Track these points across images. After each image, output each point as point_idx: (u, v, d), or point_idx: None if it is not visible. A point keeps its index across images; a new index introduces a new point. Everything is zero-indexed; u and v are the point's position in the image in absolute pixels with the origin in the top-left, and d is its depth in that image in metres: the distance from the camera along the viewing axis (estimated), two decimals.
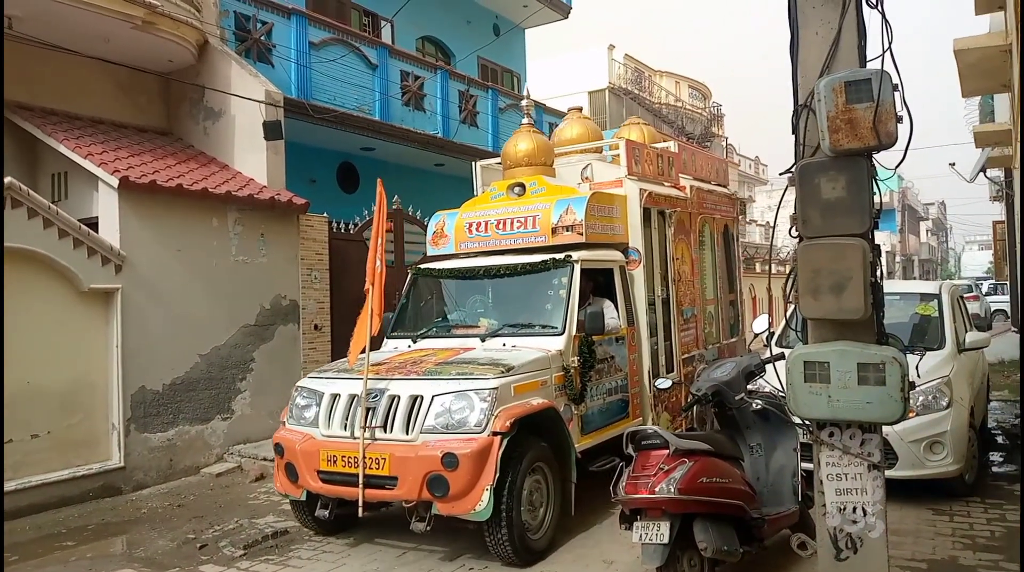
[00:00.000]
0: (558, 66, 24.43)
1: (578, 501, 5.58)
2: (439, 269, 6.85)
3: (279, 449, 5.57)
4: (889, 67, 3.28)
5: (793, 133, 3.63)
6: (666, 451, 4.12)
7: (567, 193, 6.80)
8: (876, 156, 3.41)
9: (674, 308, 7.52)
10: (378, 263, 5.80)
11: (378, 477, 5.03)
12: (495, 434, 4.86)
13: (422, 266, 7.03)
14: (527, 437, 5.18)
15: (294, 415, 5.65)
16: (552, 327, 5.95)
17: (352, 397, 5.33)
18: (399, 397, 5.19)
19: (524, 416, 5.06)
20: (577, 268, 6.12)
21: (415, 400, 5.12)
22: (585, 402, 5.91)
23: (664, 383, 5.58)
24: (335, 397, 5.46)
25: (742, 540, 4.22)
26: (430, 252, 7.24)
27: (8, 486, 6.47)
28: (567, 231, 6.44)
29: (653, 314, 7.20)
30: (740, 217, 9.80)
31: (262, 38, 10.51)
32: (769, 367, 4.70)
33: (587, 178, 7.39)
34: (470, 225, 6.97)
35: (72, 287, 7.14)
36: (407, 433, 5.05)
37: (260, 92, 9.28)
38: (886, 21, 3.36)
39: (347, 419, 5.30)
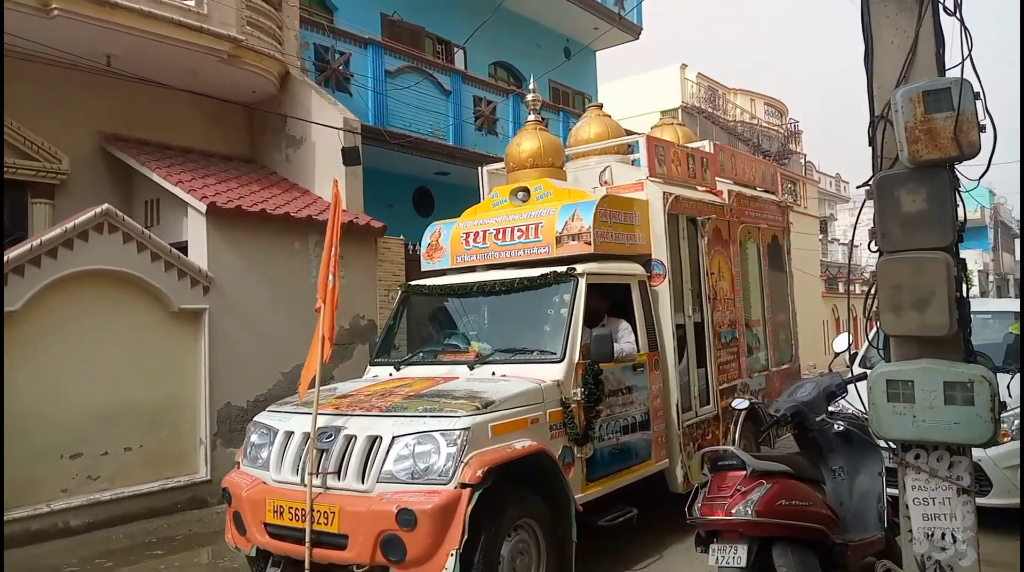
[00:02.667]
0: (630, 87, 24.41)
1: (584, 564, 4.79)
2: (429, 286, 5.98)
3: (226, 495, 4.73)
4: (970, 75, 3.18)
5: (870, 145, 3.54)
6: (743, 472, 4.03)
7: (576, 198, 5.94)
8: (959, 167, 3.30)
9: (709, 331, 6.57)
10: (331, 278, 4.85)
11: (327, 535, 4.14)
12: (463, 486, 3.94)
13: (412, 283, 6.18)
14: (511, 487, 4.28)
15: (248, 455, 4.79)
16: (550, 353, 5.06)
17: (306, 436, 4.45)
18: (355, 437, 4.29)
19: (503, 463, 4.15)
20: (582, 283, 5.26)
21: (373, 441, 4.23)
22: (591, 443, 5.00)
23: (741, 403, 5.34)
24: (288, 436, 4.57)
25: (823, 566, 4.09)
26: (424, 267, 6.45)
27: (103, 496, 6.81)
28: (573, 240, 5.60)
29: (683, 337, 6.30)
30: (791, 225, 8.81)
31: (340, 68, 10.87)
32: (851, 388, 4.56)
33: (605, 182, 6.53)
34: (467, 235, 6.13)
35: (163, 308, 7.48)
36: (362, 482, 4.15)
37: (339, 120, 9.59)
38: (965, 28, 3.27)
39: (299, 462, 4.41)
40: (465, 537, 3.88)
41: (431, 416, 4.24)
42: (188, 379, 7.65)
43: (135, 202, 8.97)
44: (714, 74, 28.70)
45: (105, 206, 7.04)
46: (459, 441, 4.07)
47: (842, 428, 4.60)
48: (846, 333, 5.23)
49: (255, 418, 5.01)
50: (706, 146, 7.49)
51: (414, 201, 13.36)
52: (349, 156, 9.47)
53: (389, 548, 3.95)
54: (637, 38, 18.51)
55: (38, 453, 6.47)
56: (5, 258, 6.39)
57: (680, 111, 25.12)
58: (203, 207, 7.87)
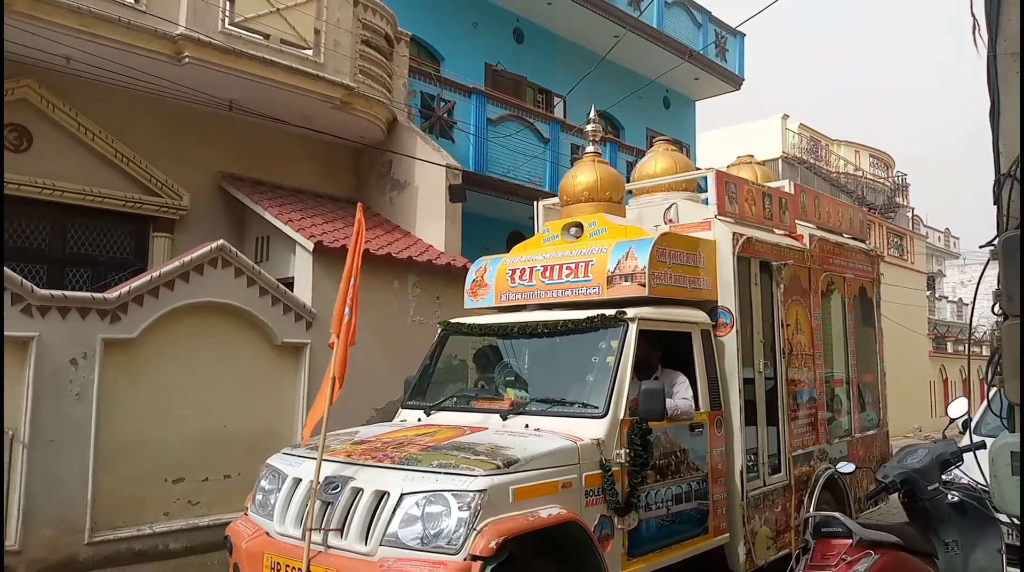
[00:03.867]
0: (730, 137, 24.18)
1: None
2: (467, 325, 5.55)
3: (228, 544, 4.40)
4: None
5: (995, 203, 3.39)
6: (849, 541, 3.85)
7: (633, 235, 5.44)
8: None
9: (783, 389, 5.95)
10: (347, 311, 4.40)
11: None
12: (474, 558, 3.47)
13: (451, 322, 5.73)
14: (535, 562, 3.79)
15: (257, 501, 4.44)
16: (592, 406, 4.52)
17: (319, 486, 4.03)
18: (362, 491, 3.86)
19: (523, 533, 3.63)
20: (633, 328, 4.70)
21: (381, 497, 3.79)
22: (635, 512, 4.41)
23: (847, 467, 4.99)
24: (296, 483, 4.20)
25: None
26: (467, 305, 6.03)
27: (202, 521, 7.04)
28: (626, 281, 5.05)
29: (752, 396, 5.67)
30: (881, 276, 8.02)
31: (444, 115, 11.22)
32: (967, 457, 4.30)
33: (670, 221, 6.03)
34: (513, 272, 5.67)
35: (268, 341, 7.77)
36: (364, 543, 3.71)
37: (441, 165, 9.86)
38: None
39: (304, 514, 4.01)
40: None
41: (444, 473, 3.75)
42: (287, 411, 7.88)
43: (247, 238, 9.42)
44: (818, 126, 28.15)
45: (220, 242, 7.42)
46: (472, 504, 3.57)
47: (957, 499, 4.32)
48: (963, 398, 4.94)
49: (267, 460, 4.60)
50: (786, 186, 6.93)
51: (508, 244, 13.51)
52: (456, 193, 9.73)
53: None
54: (738, 88, 18.39)
55: (144, 475, 6.76)
56: (128, 288, 6.79)
57: (780, 161, 24.72)
58: (311, 245, 8.19)
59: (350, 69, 9.07)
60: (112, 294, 6.70)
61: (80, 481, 6.35)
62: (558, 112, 14.32)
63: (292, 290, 8.17)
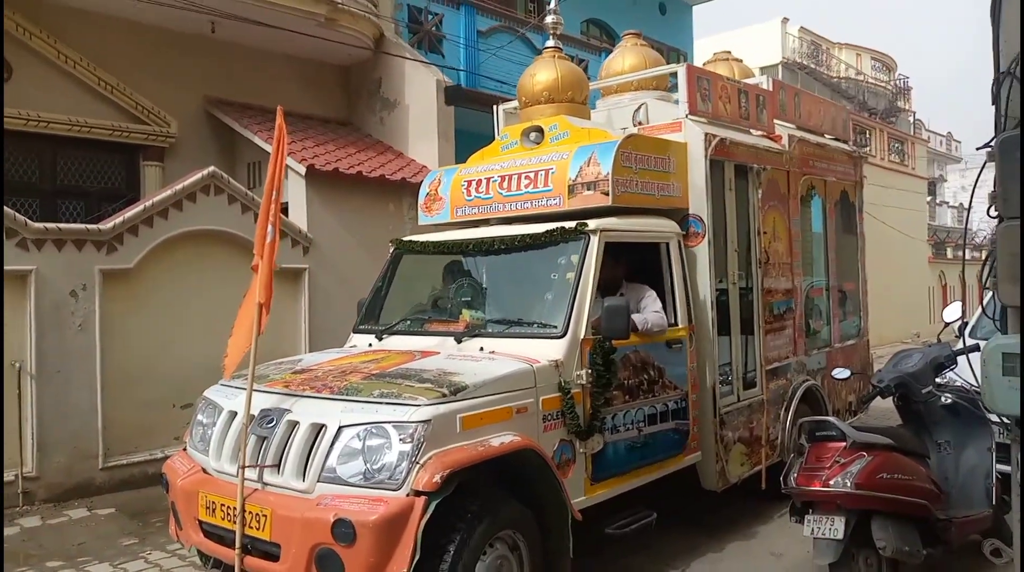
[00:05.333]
0: (727, 43, 23.47)
1: None
2: (420, 242, 5.21)
3: (163, 482, 4.15)
4: None
5: (993, 103, 3.32)
6: (843, 444, 3.94)
7: (597, 139, 4.96)
8: None
9: (758, 300, 5.67)
10: (269, 229, 3.94)
11: (260, 541, 3.49)
12: (417, 493, 3.22)
13: (403, 239, 5.41)
14: (488, 492, 3.59)
15: (194, 436, 4.17)
16: (551, 326, 4.21)
17: (250, 419, 3.73)
18: (299, 425, 3.58)
19: (472, 464, 3.40)
20: (595, 241, 4.37)
21: (319, 430, 3.52)
22: (598, 436, 4.19)
23: (842, 373, 5.02)
24: (232, 416, 3.91)
25: (925, 542, 3.96)
26: (421, 221, 5.64)
27: None
28: (588, 190, 4.64)
29: (726, 308, 5.36)
30: (864, 179, 7.64)
31: (433, 29, 10.90)
32: (962, 359, 4.36)
33: (640, 123, 5.58)
34: (468, 184, 5.22)
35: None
36: (302, 479, 3.45)
37: (431, 81, 9.65)
38: None
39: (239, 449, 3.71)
40: (417, 557, 3.15)
41: (386, 403, 3.48)
42: (289, 334, 7.95)
43: (238, 164, 9.30)
44: (818, 28, 27.42)
45: (211, 169, 7.34)
46: (415, 436, 3.31)
47: (950, 401, 4.41)
48: (958, 302, 4.96)
49: (204, 393, 4.31)
50: (764, 82, 6.46)
51: None
52: (452, 95, 9.50)
53: (325, 565, 3.24)
54: None
55: (151, 402, 6.87)
56: (122, 218, 6.76)
57: (780, 67, 24.19)
58: (303, 169, 8.09)
59: None
60: (107, 225, 6.67)
61: (90, 409, 6.47)
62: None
63: (287, 215, 8.11)
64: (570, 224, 4.46)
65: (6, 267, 5.96)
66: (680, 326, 4.88)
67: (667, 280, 4.97)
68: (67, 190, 8.34)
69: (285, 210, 8.22)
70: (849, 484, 3.76)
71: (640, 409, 4.53)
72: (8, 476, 6.00)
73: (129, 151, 8.64)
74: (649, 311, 4.74)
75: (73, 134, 8.08)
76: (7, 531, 5.52)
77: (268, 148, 8.44)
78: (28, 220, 6.26)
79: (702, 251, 5.16)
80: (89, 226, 6.64)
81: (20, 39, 7.64)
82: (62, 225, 6.57)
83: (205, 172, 7.28)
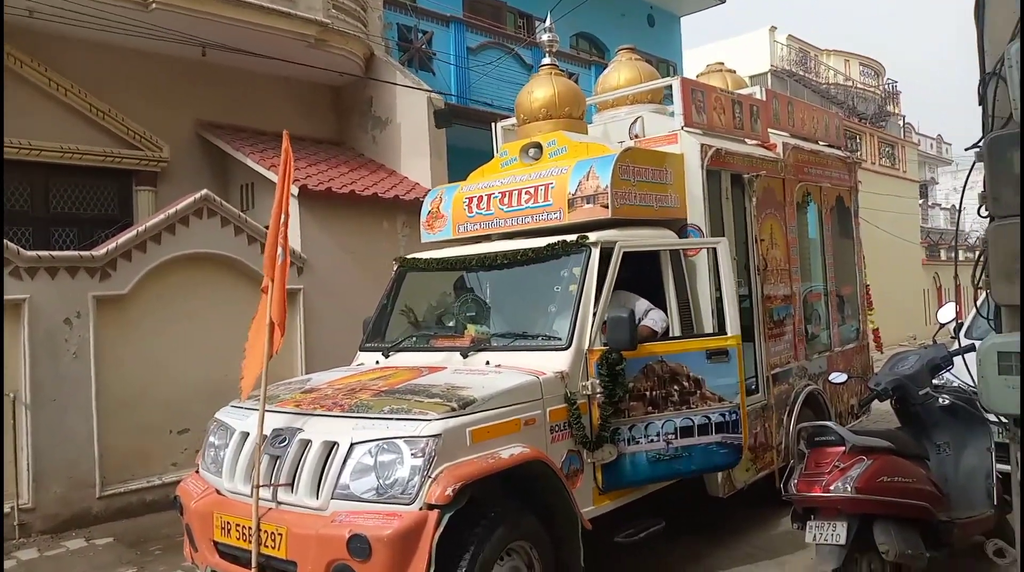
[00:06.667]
0: (716, 53, 23.61)
1: None
2: (425, 259, 5.27)
3: (177, 504, 4.19)
4: None
5: (980, 104, 3.34)
6: (842, 448, 3.92)
7: (595, 152, 5.05)
8: None
9: (758, 307, 5.69)
10: (280, 251, 4.02)
11: (276, 560, 3.54)
12: (430, 507, 3.28)
13: (407, 257, 5.45)
14: (500, 504, 3.63)
15: (207, 458, 4.21)
16: (555, 338, 4.30)
17: (263, 439, 3.80)
18: (311, 443, 3.64)
19: (483, 476, 3.46)
20: (595, 254, 4.44)
21: (331, 448, 3.58)
22: (610, 446, 4.22)
23: (839, 377, 5.04)
24: (244, 437, 3.96)
25: (928, 544, 3.94)
26: (424, 238, 5.71)
27: None
28: (588, 203, 4.73)
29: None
30: (859, 184, 7.65)
31: (423, 47, 10.96)
32: (958, 360, 4.36)
33: (636, 136, 5.69)
34: (470, 201, 5.32)
35: (259, 287, 7.74)
36: (315, 497, 3.51)
37: (423, 99, 9.68)
38: None
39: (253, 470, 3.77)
40: (432, 569, 3.20)
41: (396, 418, 3.55)
42: (285, 356, 7.92)
43: (231, 187, 9.31)
44: (807, 36, 27.60)
45: (204, 192, 7.34)
46: (427, 451, 3.37)
47: (948, 402, 4.40)
48: (952, 303, 4.97)
49: (216, 414, 4.37)
50: (757, 92, 6.56)
51: None
52: (441, 118, 9.55)
53: None
54: (723, 1, 17.94)
55: (148, 428, 6.84)
56: (115, 244, 6.75)
57: (769, 75, 24.31)
58: (296, 190, 8.09)
59: (322, 4, 8.82)
60: (100, 251, 6.66)
61: (86, 437, 6.43)
62: (540, 35, 14.01)
63: None
64: (571, 237, 4.54)
65: None
66: (730, 335, 4.67)
67: (695, 287, 5.05)
68: (60, 217, 8.34)
69: None
70: (849, 489, 3.75)
71: (669, 421, 4.42)
72: (4, 508, 5.96)
73: (122, 176, 8.65)
74: (654, 321, 4.73)
75: (65, 161, 8.09)
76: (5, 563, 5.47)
77: (260, 169, 8.47)
78: (21, 248, 6.25)
79: (701, 261, 5.19)
80: (82, 253, 6.62)
81: (12, 68, 7.66)
82: (55, 253, 6.56)
83: (198, 195, 7.28)
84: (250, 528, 3.59)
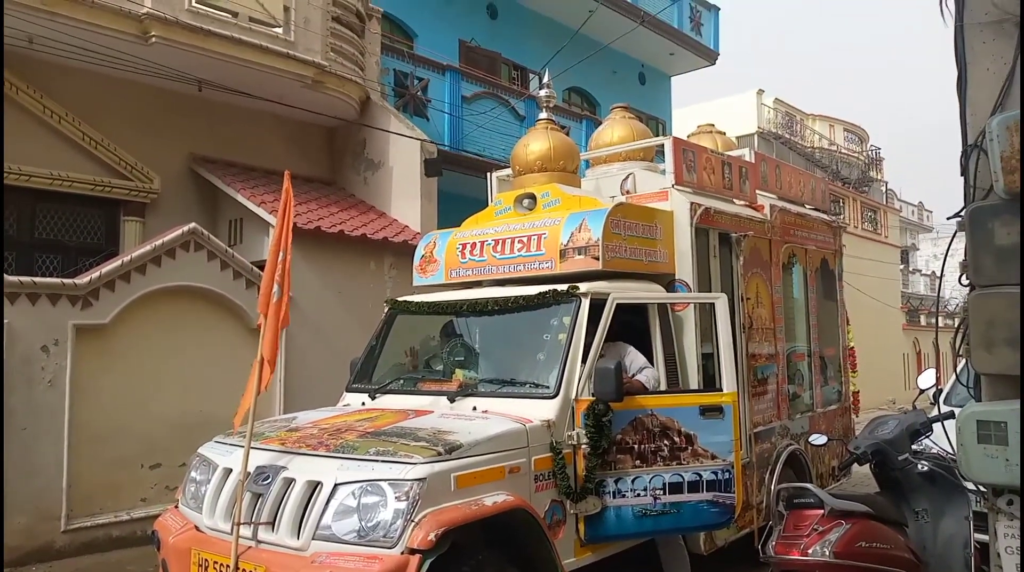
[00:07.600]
0: (705, 113, 24.11)
1: None
2: (416, 303, 5.36)
3: (154, 540, 4.14)
4: None
5: (962, 175, 3.42)
6: (821, 511, 3.92)
7: (588, 205, 5.24)
8: None
9: (743, 364, 5.67)
10: (275, 288, 4.06)
11: None
12: (412, 552, 3.26)
13: (398, 300, 5.55)
14: (483, 550, 3.63)
15: (187, 493, 4.16)
16: (543, 387, 4.33)
17: (246, 476, 3.78)
18: (294, 482, 3.62)
19: (464, 523, 3.43)
20: (585, 304, 4.50)
21: (314, 488, 3.55)
22: (594, 498, 4.20)
23: (819, 439, 5.06)
24: (227, 473, 3.94)
25: None
26: (416, 282, 5.81)
27: None
28: (579, 254, 4.83)
29: (712, 372, 5.23)
30: (843, 248, 7.82)
31: (418, 93, 11.11)
32: (937, 427, 4.37)
33: (627, 191, 5.85)
34: (464, 247, 5.43)
35: (243, 324, 7.71)
36: (296, 537, 3.48)
37: (416, 144, 9.78)
38: None
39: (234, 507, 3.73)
40: None
41: (381, 461, 3.52)
42: (264, 394, 7.82)
43: (220, 221, 9.30)
44: (793, 100, 28.22)
45: (192, 225, 7.34)
46: (411, 494, 3.35)
47: (927, 468, 4.40)
48: (932, 369, 5.00)
49: (199, 449, 4.34)
50: (747, 155, 6.73)
51: None
52: (431, 167, 9.64)
53: None
54: (713, 63, 18.36)
55: (120, 461, 6.72)
56: (98, 273, 6.70)
57: (756, 137, 24.77)
58: None
59: (321, 47, 8.94)
60: (83, 279, 6.62)
61: (55, 468, 6.30)
62: (533, 89, 14.24)
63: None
64: (562, 287, 4.61)
65: None
66: (726, 391, 4.61)
67: (681, 341, 5.09)
68: (45, 244, 8.28)
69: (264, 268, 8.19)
70: (828, 553, 3.73)
71: (658, 476, 4.38)
72: None
73: (110, 206, 8.62)
74: (646, 377, 4.73)
75: (54, 187, 8.07)
76: None
77: (250, 205, 8.49)
78: (3, 273, 6.19)
79: (688, 316, 5.24)
80: (64, 280, 6.58)
81: (7, 93, 7.67)
82: (37, 279, 6.51)
83: (186, 228, 7.27)
84: (228, 566, 3.55)
